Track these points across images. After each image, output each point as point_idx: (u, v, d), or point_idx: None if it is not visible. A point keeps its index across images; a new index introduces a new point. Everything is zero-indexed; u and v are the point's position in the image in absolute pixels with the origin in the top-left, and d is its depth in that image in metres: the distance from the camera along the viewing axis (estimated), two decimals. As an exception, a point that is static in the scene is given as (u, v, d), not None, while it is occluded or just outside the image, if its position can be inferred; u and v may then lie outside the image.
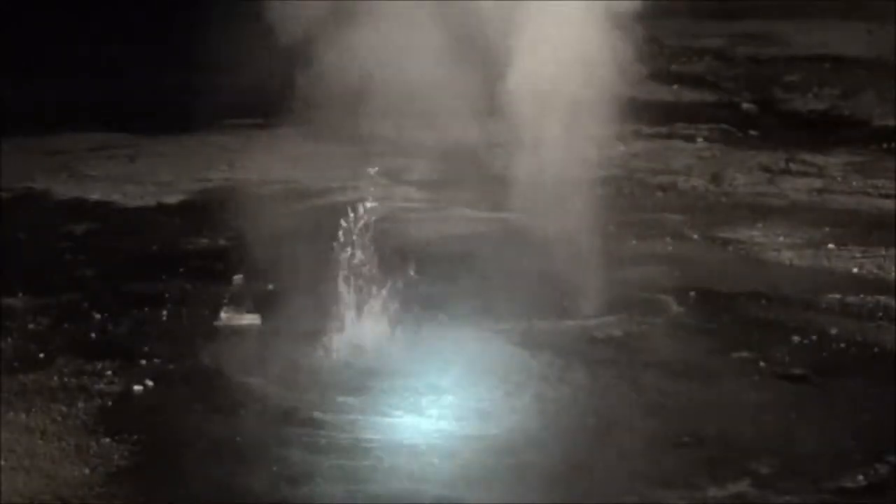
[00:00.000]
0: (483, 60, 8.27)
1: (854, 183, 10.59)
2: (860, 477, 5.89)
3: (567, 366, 6.99)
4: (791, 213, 9.81)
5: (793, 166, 11.10)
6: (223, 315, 7.63)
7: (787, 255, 8.86)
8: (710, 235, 9.28)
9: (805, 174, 10.88)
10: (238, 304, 7.76)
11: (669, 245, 9.07)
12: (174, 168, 11.03)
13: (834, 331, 7.50)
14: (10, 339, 7.35)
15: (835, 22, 16.26)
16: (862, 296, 8.02)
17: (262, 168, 10.59)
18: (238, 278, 8.18)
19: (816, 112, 13.25)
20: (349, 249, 7.46)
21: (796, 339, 7.39)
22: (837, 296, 8.03)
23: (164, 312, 7.77)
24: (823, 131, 12.35)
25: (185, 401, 6.62)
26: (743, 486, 5.81)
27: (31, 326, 7.56)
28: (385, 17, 7.93)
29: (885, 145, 11.74)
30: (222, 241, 9.14)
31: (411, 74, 7.88)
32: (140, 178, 10.76)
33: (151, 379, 6.84)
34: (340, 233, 7.51)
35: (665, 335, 7.47)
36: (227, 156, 11.19)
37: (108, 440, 6.20)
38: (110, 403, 6.60)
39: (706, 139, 11.92)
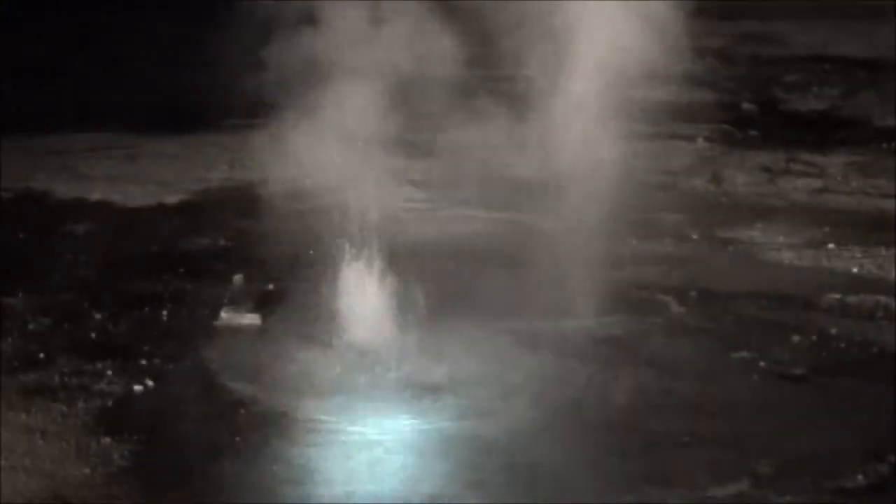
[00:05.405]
0: (482, 59, 8.27)
1: (854, 183, 10.58)
2: (860, 477, 5.89)
3: (567, 366, 6.99)
4: (791, 213, 9.80)
5: (793, 166, 11.09)
6: (223, 315, 7.63)
7: (787, 255, 8.85)
8: (710, 235, 9.28)
9: (805, 174, 10.87)
10: (238, 304, 7.77)
11: (669, 245, 9.06)
12: (174, 168, 11.03)
13: (834, 331, 7.50)
14: (10, 339, 7.35)
15: (835, 22, 16.24)
16: (862, 296, 8.02)
17: (262, 168, 10.58)
18: (238, 278, 8.17)
19: (816, 112, 13.24)
20: (349, 249, 7.46)
21: (796, 339, 7.39)
22: (837, 296, 8.02)
23: (164, 312, 7.77)
24: (823, 131, 12.33)
25: (185, 401, 6.62)
26: (743, 486, 5.82)
27: (31, 326, 7.56)
28: (387, 17, 7.93)
29: (885, 145, 11.73)
30: (222, 241, 9.15)
31: (412, 74, 7.88)
32: (140, 178, 10.75)
33: (151, 379, 6.85)
34: (340, 233, 7.51)
35: (665, 335, 7.47)
36: (227, 156, 11.18)
37: (108, 440, 6.20)
38: (110, 403, 6.61)
39: (706, 139, 11.92)
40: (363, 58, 7.83)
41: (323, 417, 6.45)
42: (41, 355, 7.16)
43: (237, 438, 6.24)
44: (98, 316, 7.73)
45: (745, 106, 13.34)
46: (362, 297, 7.34)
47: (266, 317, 7.61)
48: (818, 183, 10.62)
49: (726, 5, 16.30)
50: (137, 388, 6.76)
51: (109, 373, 6.93)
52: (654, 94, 10.21)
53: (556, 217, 7.85)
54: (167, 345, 7.29)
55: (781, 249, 8.97)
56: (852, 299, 7.98)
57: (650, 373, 6.93)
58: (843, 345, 7.33)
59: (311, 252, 7.96)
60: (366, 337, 7.22)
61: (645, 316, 7.70)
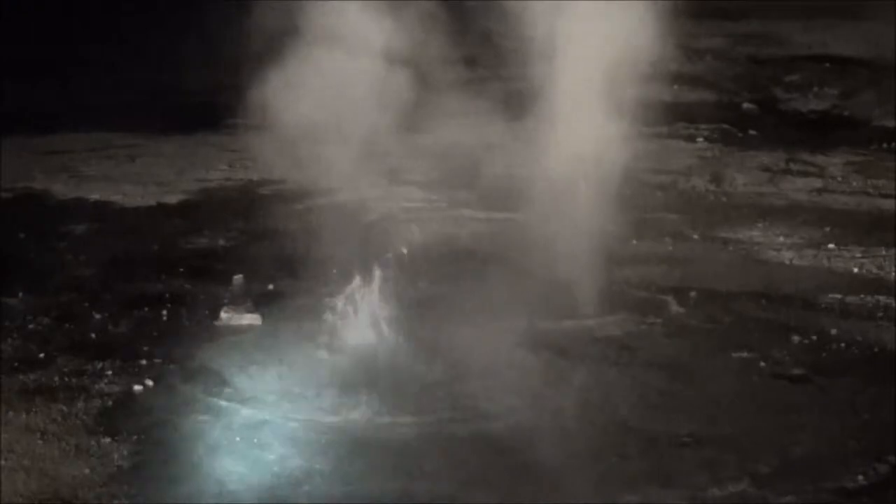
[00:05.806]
0: (482, 59, 8.28)
1: (854, 183, 10.59)
2: (860, 477, 5.89)
3: (567, 366, 6.99)
4: (791, 213, 9.81)
5: (793, 166, 11.10)
6: (223, 315, 7.63)
7: (787, 255, 8.86)
8: (710, 235, 9.28)
9: (805, 174, 10.88)
10: (238, 304, 7.77)
11: (669, 245, 9.07)
12: (174, 168, 11.04)
13: (834, 331, 7.50)
14: (10, 339, 7.35)
15: (835, 22, 16.26)
16: (862, 296, 8.02)
17: (262, 168, 10.60)
18: (238, 278, 8.18)
19: (816, 112, 13.26)
20: (349, 249, 7.46)
21: (796, 339, 7.39)
22: (837, 296, 8.03)
23: (164, 312, 7.77)
24: (823, 131, 12.36)
25: (185, 401, 6.62)
26: (743, 486, 5.81)
27: (31, 326, 7.56)
28: (388, 18, 7.94)
29: (885, 145, 11.75)
30: (222, 241, 9.15)
31: (412, 74, 7.88)
32: (140, 178, 10.76)
33: (151, 379, 6.85)
34: (341, 233, 7.52)
35: (665, 335, 7.47)
36: (227, 156, 11.20)
37: (108, 440, 6.20)
38: (110, 403, 6.61)
39: (706, 139, 11.94)
40: (363, 58, 7.84)
41: (322, 417, 6.44)
42: (41, 355, 7.15)
43: (237, 438, 6.24)
44: (98, 316, 7.72)
45: (745, 106, 13.36)
46: (362, 297, 7.34)
47: (266, 317, 7.61)
48: (818, 183, 10.63)
49: (726, 5, 16.33)
50: (137, 388, 6.76)
51: (109, 373, 6.93)
52: (654, 94, 10.23)
53: (556, 217, 7.85)
54: (167, 345, 7.29)
55: (781, 249, 8.98)
56: (852, 299, 7.98)
57: (650, 373, 6.94)
58: (843, 345, 7.32)
59: (312, 252, 7.96)
60: (365, 337, 7.22)
61: (645, 316, 7.70)
